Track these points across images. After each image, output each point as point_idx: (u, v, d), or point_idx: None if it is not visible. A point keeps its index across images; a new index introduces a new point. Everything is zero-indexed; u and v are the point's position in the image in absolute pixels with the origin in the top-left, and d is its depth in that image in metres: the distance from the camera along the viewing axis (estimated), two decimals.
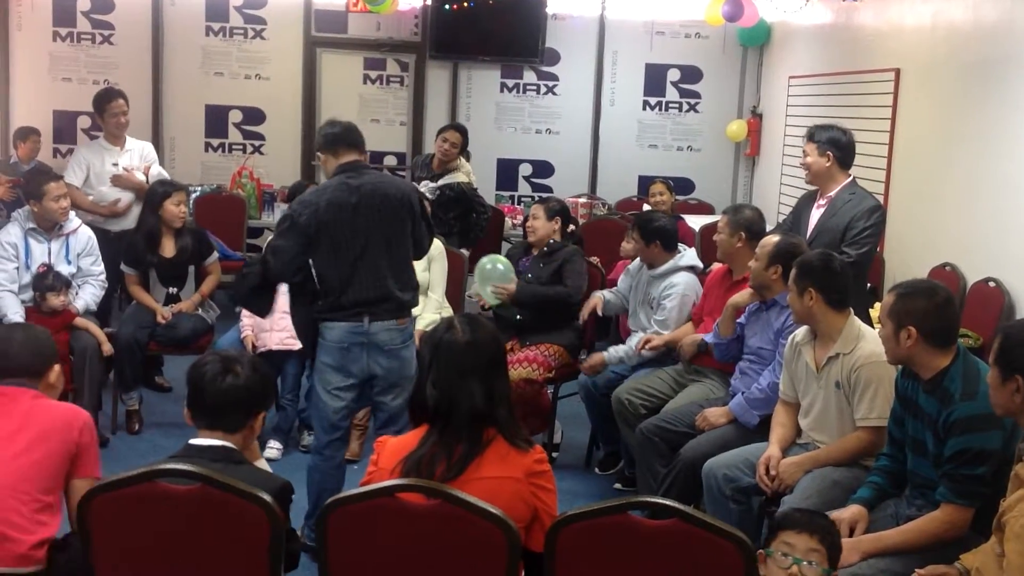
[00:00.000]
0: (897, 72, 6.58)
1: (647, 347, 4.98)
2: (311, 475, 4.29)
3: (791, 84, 8.45)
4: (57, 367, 3.29)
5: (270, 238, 4.31)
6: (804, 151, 5.04)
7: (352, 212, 4.12)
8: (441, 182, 6.83)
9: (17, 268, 5.47)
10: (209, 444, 2.80)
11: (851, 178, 4.99)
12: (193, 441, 2.83)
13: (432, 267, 5.71)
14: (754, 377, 4.33)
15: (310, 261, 4.17)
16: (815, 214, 5.02)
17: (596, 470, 5.46)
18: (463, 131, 7.06)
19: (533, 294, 5.49)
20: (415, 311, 4.64)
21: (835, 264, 3.85)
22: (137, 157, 6.62)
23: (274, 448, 5.39)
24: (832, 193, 4.96)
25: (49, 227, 5.58)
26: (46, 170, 6.55)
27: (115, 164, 6.50)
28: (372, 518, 2.54)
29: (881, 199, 6.50)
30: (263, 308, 4.43)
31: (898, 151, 6.57)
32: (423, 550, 2.53)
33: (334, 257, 4.12)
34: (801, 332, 3.94)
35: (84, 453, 3.07)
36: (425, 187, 6.48)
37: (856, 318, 3.85)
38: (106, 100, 6.52)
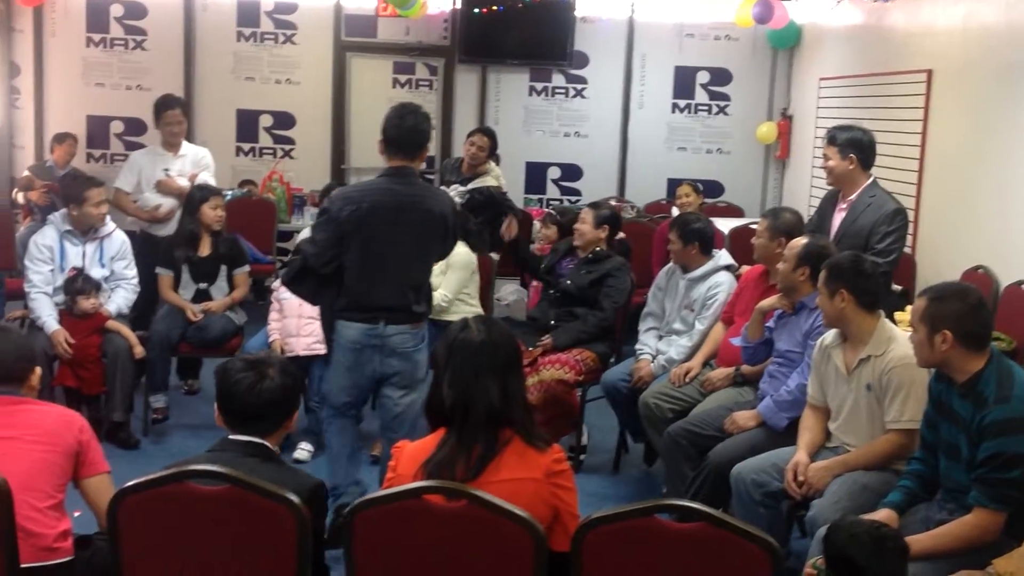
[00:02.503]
0: (929, 73, 6.52)
1: (688, 378, 4.90)
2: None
3: (821, 86, 8.39)
4: (38, 369, 3.29)
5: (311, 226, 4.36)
6: (825, 154, 5.01)
7: (393, 220, 4.15)
8: (470, 186, 6.83)
9: (52, 271, 5.52)
10: (247, 440, 2.83)
11: (872, 179, 4.95)
12: (230, 436, 2.86)
13: (448, 273, 5.63)
14: (783, 380, 4.30)
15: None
16: (837, 218, 4.99)
17: (645, 466, 5.47)
18: (491, 134, 7.06)
19: (571, 338, 5.37)
20: None
21: (866, 266, 3.82)
22: (190, 163, 6.62)
23: (304, 450, 5.42)
24: (853, 196, 4.92)
25: (85, 230, 5.63)
26: (82, 175, 6.60)
27: (166, 170, 6.51)
28: (398, 520, 2.54)
29: (913, 201, 6.45)
30: (306, 293, 4.45)
31: (930, 153, 6.51)
32: (449, 552, 2.53)
33: (363, 258, 4.15)
34: (830, 335, 3.91)
35: (87, 451, 3.11)
36: (454, 191, 6.49)
37: (887, 320, 3.82)
38: (162, 108, 6.55)
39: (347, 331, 4.21)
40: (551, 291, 5.71)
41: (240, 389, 2.82)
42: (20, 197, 8.13)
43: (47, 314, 5.37)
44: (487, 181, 6.94)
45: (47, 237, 5.59)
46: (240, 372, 2.84)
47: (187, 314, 5.73)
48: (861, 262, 3.83)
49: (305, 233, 5.73)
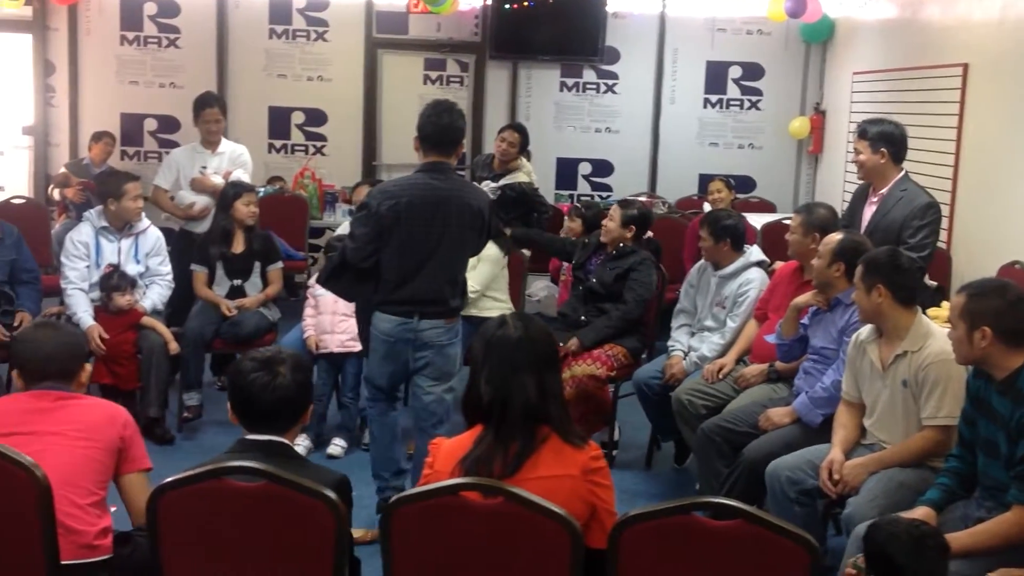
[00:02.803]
0: (965, 67, 6.45)
1: (721, 374, 4.89)
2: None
3: (855, 80, 8.33)
4: (88, 366, 3.34)
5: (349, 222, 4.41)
6: (856, 148, 4.98)
7: (431, 215, 4.20)
8: (502, 182, 6.83)
9: (88, 267, 5.57)
10: (267, 439, 2.83)
11: (903, 173, 4.92)
12: (247, 436, 2.87)
13: (479, 267, 5.62)
14: (818, 377, 4.27)
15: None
16: (868, 211, 4.95)
17: (674, 465, 5.46)
18: (522, 130, 7.07)
19: (597, 335, 5.38)
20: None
21: (903, 260, 3.79)
22: (227, 161, 6.64)
23: (338, 446, 5.43)
24: (884, 190, 4.90)
25: (120, 227, 5.68)
26: (119, 171, 6.67)
27: (204, 168, 6.54)
28: (435, 517, 2.55)
29: (948, 196, 6.39)
30: (342, 290, 4.52)
31: (966, 147, 6.44)
32: (486, 549, 2.53)
33: (402, 253, 4.20)
34: (866, 330, 3.88)
35: (130, 447, 3.12)
36: (486, 187, 6.50)
37: (924, 315, 3.79)
38: (200, 106, 6.59)
39: (382, 323, 4.28)
40: (580, 287, 5.71)
41: (254, 389, 2.82)
42: (56, 194, 8.22)
43: (83, 310, 5.42)
44: (518, 177, 6.93)
45: (83, 234, 5.64)
46: (253, 372, 2.83)
47: (221, 309, 5.77)
48: (898, 257, 3.80)
49: (343, 229, 5.75)
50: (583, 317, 5.52)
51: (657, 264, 5.66)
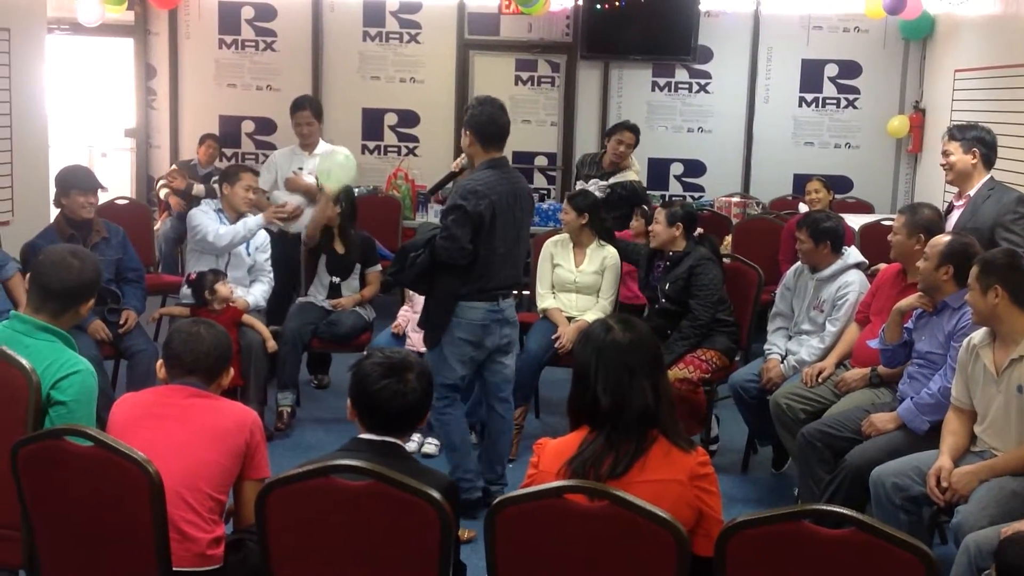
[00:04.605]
0: None
1: (821, 378, 4.79)
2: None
3: (957, 78, 8.12)
4: (231, 371, 3.32)
5: (436, 228, 4.54)
6: (946, 150, 4.90)
7: (511, 208, 4.52)
8: (612, 180, 6.84)
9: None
10: (381, 440, 2.85)
11: (990, 175, 4.82)
12: (362, 435, 2.88)
13: (606, 275, 5.76)
14: (923, 382, 4.16)
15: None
16: (953, 216, 4.84)
17: (772, 470, 5.40)
18: (636, 131, 7.11)
19: (675, 355, 5.28)
20: (586, 314, 5.57)
21: (1021, 261, 3.68)
22: None
23: (432, 444, 5.47)
24: (972, 192, 4.82)
25: (234, 218, 5.87)
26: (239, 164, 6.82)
27: (300, 168, 6.65)
28: (539, 519, 2.54)
29: None
30: (427, 288, 4.66)
31: None
32: (591, 552, 2.51)
33: (492, 246, 4.45)
34: (979, 334, 3.77)
35: (255, 453, 3.08)
36: (595, 185, 6.48)
37: None
38: (294, 109, 6.72)
39: (472, 312, 4.52)
40: (656, 305, 5.66)
41: (385, 395, 2.82)
42: (163, 192, 8.40)
43: (252, 219, 5.83)
44: (629, 176, 6.99)
45: (205, 212, 5.86)
46: (383, 378, 2.84)
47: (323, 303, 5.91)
48: (1017, 257, 3.70)
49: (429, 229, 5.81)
50: (668, 332, 5.43)
51: (716, 259, 5.54)
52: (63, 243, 4.81)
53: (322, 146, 6.75)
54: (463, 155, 4.83)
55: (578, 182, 6.98)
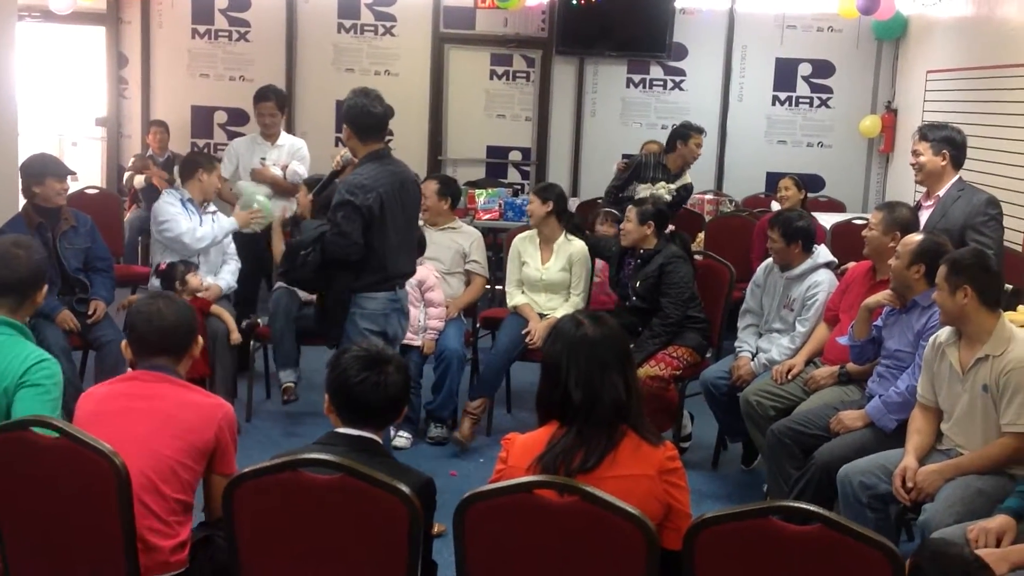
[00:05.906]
0: None
1: (791, 376, 4.82)
2: None
3: (929, 78, 8.18)
4: (200, 338, 3.19)
5: (324, 224, 4.44)
6: (916, 150, 4.90)
7: (398, 196, 4.48)
8: (677, 184, 6.86)
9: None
10: (358, 435, 2.84)
11: (959, 176, 4.84)
12: (339, 429, 2.87)
13: (574, 269, 5.77)
14: (892, 380, 4.19)
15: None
16: (923, 215, 4.86)
17: (742, 467, 5.41)
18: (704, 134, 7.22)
19: (646, 354, 5.26)
20: (557, 312, 5.55)
21: (990, 262, 3.71)
22: (286, 154, 6.75)
23: (403, 437, 5.46)
24: (941, 192, 4.82)
25: (200, 202, 5.92)
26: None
27: (263, 159, 6.65)
28: (509, 514, 2.53)
29: None
30: (319, 286, 4.63)
31: None
32: (561, 547, 2.51)
33: (385, 237, 4.43)
34: (945, 332, 3.79)
35: (224, 450, 2.98)
36: (662, 188, 6.48)
37: (1007, 319, 3.70)
38: (257, 100, 6.75)
39: (372, 303, 4.49)
40: (626, 303, 5.67)
41: (364, 389, 2.81)
42: (137, 180, 8.33)
43: (226, 220, 5.90)
44: (686, 179, 7.09)
45: (172, 202, 5.81)
46: (362, 371, 2.82)
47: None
48: (985, 258, 3.72)
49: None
50: (640, 328, 5.44)
51: (687, 256, 5.54)
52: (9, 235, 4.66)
53: (284, 137, 6.78)
54: (342, 151, 4.77)
55: (641, 186, 6.91)
